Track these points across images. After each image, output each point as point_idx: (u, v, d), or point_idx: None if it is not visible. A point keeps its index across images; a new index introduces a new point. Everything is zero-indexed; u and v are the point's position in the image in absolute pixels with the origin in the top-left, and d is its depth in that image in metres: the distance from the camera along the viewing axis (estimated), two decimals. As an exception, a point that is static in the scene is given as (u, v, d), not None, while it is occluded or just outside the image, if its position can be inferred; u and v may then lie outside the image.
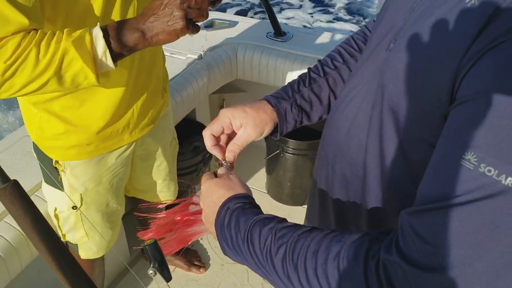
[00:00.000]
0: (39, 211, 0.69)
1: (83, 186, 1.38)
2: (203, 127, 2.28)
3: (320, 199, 0.87)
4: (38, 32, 0.95)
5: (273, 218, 0.65)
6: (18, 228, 1.33)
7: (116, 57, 0.99)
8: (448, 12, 0.56)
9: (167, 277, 0.84)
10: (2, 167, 0.67)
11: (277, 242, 0.61)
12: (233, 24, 2.50)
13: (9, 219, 1.38)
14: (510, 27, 0.48)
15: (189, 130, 2.22)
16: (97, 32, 0.96)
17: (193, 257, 2.12)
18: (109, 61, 0.98)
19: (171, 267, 2.07)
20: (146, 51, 1.31)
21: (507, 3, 0.50)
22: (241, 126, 0.84)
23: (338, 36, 2.37)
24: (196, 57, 2.19)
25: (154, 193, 1.74)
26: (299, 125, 0.91)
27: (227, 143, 0.86)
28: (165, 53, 2.18)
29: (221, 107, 2.64)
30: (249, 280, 2.06)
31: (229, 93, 2.56)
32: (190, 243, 0.88)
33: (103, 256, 1.66)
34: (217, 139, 0.85)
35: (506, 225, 0.45)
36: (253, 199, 0.73)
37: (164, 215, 0.90)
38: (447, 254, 0.47)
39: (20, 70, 0.93)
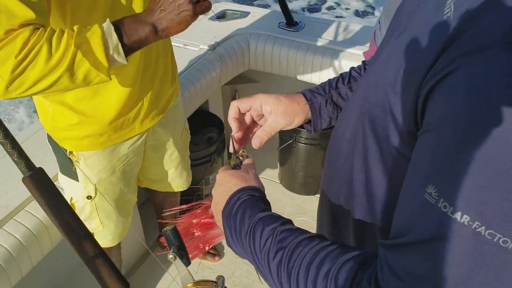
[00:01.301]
0: (63, 197, 0.71)
1: (97, 176, 1.41)
2: (216, 118, 2.30)
3: (322, 194, 0.88)
4: (48, 29, 0.94)
5: (277, 218, 0.65)
6: (39, 216, 1.37)
7: (127, 51, 1.00)
8: (426, 24, 0.54)
9: (187, 262, 0.86)
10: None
11: (276, 246, 0.61)
12: (244, 14, 2.50)
13: (30, 208, 1.41)
14: (469, 49, 0.44)
15: (202, 121, 2.25)
16: (109, 27, 0.96)
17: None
18: (121, 55, 0.98)
19: (186, 256, 2.11)
20: (154, 43, 1.33)
21: (487, 14, 0.45)
22: (271, 112, 0.83)
23: (351, 26, 2.36)
24: (208, 48, 2.20)
25: (167, 183, 1.77)
26: (335, 122, 0.88)
27: (249, 126, 0.87)
28: (177, 45, 2.22)
29: (233, 98, 2.65)
30: (263, 268, 2.08)
31: (242, 83, 2.57)
32: (210, 246, 0.88)
33: (119, 244, 1.70)
34: (241, 115, 0.85)
35: (465, 266, 0.44)
36: (265, 194, 0.73)
37: (183, 220, 0.91)
38: None
39: (31, 66, 0.92)
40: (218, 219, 0.74)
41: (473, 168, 0.43)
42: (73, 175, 1.40)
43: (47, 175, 0.69)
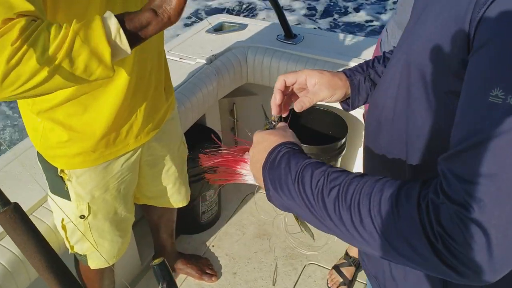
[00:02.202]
0: (41, 234, 0.65)
1: (90, 194, 1.36)
2: (213, 132, 2.25)
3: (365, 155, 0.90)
4: (46, 20, 0.90)
5: (324, 163, 0.68)
6: (15, 251, 1.31)
7: (130, 38, 0.92)
8: None
9: (177, 299, 0.80)
10: (8, 179, 0.64)
11: (330, 184, 0.63)
12: (242, 27, 2.46)
13: (5, 242, 1.34)
14: None
15: (199, 136, 2.19)
16: (109, 14, 0.91)
17: (205, 265, 2.08)
18: (124, 42, 0.90)
19: (182, 276, 2.05)
20: (147, 55, 1.29)
21: None
22: (316, 84, 0.89)
23: (350, 38, 2.32)
24: (205, 61, 2.15)
25: (165, 199, 1.72)
26: (370, 100, 0.93)
27: (288, 99, 0.93)
28: (173, 58, 2.17)
29: (231, 111, 2.60)
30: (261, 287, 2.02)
31: (240, 96, 2.52)
32: (232, 182, 0.93)
33: (112, 265, 1.64)
34: (285, 88, 0.90)
35: None
36: (303, 150, 0.75)
37: (222, 150, 0.96)
38: (487, 190, 0.49)
39: (29, 55, 0.85)
40: (259, 177, 0.76)
41: None
42: (65, 194, 1.35)
43: (23, 211, 0.63)
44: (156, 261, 0.82)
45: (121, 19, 0.92)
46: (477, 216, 0.49)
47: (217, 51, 2.23)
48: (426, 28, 0.64)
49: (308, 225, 0.82)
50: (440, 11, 0.61)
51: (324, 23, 6.56)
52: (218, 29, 2.46)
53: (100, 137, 1.28)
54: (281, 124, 0.86)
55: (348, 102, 0.95)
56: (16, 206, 0.63)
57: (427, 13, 0.66)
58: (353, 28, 6.37)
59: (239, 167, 0.91)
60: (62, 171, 1.32)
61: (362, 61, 2.11)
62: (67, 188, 1.34)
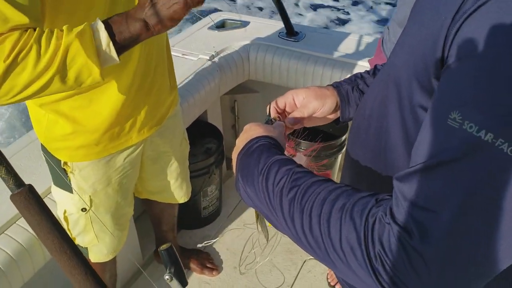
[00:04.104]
0: (54, 216, 0.67)
1: (92, 187, 1.37)
2: (215, 128, 2.26)
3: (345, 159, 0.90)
4: (37, 30, 0.91)
5: (293, 162, 0.67)
6: (31, 231, 1.33)
7: (119, 50, 0.96)
8: None
9: (184, 283, 0.82)
10: (16, 170, 0.65)
11: (291, 184, 0.62)
12: (244, 24, 2.47)
13: (22, 222, 1.37)
14: None
15: (201, 132, 2.21)
16: (99, 25, 0.93)
17: (206, 260, 2.10)
18: (113, 53, 0.94)
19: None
20: (152, 50, 1.30)
21: None
22: (303, 99, 0.90)
23: (352, 36, 2.34)
24: (207, 58, 2.17)
25: (167, 194, 1.73)
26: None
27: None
28: (176, 54, 2.19)
29: (233, 108, 2.62)
30: (261, 282, 2.04)
31: (241, 94, 2.54)
32: None
33: (114, 259, 1.65)
34: (281, 114, 0.91)
35: (486, 182, 0.46)
36: (283, 148, 0.75)
37: None
38: (430, 218, 0.47)
39: (21, 69, 0.89)
40: (234, 164, 0.76)
41: (501, 89, 0.46)
42: (67, 187, 1.36)
43: (36, 192, 0.65)
44: (164, 246, 0.84)
45: (111, 31, 0.94)
46: (417, 244, 0.47)
47: (220, 48, 2.25)
48: (409, 40, 0.63)
49: (267, 225, 0.82)
50: (423, 23, 0.60)
51: (325, 21, 6.58)
52: (220, 26, 2.47)
53: (104, 131, 1.29)
54: (279, 123, 0.86)
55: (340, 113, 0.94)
56: (31, 188, 0.65)
57: (414, 22, 0.64)
58: (355, 26, 6.40)
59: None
60: (65, 163, 1.33)
61: (364, 59, 2.14)
62: (69, 180, 1.35)
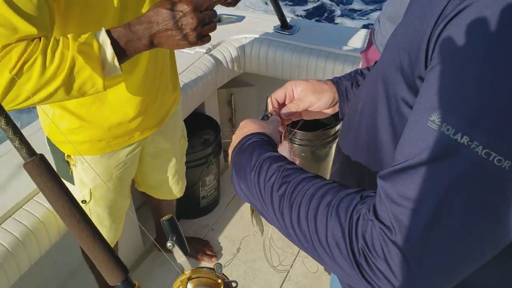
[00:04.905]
0: (63, 183, 0.72)
1: (93, 181, 1.40)
2: (212, 120, 2.32)
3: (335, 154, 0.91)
4: (42, 39, 0.93)
5: (284, 158, 0.70)
6: (48, 206, 1.40)
7: (123, 61, 1.00)
8: None
9: (185, 250, 0.87)
10: (17, 158, 0.70)
11: (281, 180, 0.64)
12: (240, 18, 2.53)
13: (38, 197, 1.44)
14: None
15: (198, 124, 2.26)
16: (105, 39, 0.95)
17: (205, 247, 2.15)
18: (117, 66, 0.98)
19: (183, 257, 2.12)
20: (159, 52, 1.33)
21: None
22: (301, 91, 0.91)
23: (344, 28, 2.39)
24: (204, 51, 2.22)
25: (163, 190, 1.77)
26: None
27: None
28: (173, 48, 2.23)
29: (229, 102, 2.67)
30: (260, 268, 2.09)
31: (237, 87, 2.59)
32: None
33: (116, 247, 1.70)
34: (279, 106, 0.92)
35: (461, 184, 0.48)
36: (275, 144, 0.77)
37: None
38: (409, 215, 0.50)
39: (26, 79, 0.91)
40: (229, 160, 0.78)
41: (473, 92, 0.47)
42: (70, 179, 1.39)
43: (47, 161, 0.71)
44: (166, 217, 0.89)
45: (116, 46, 0.96)
46: (398, 240, 0.50)
47: (216, 42, 2.30)
48: (398, 38, 0.64)
49: (262, 218, 0.85)
50: (411, 23, 0.60)
51: (319, 14, 6.63)
52: (217, 20, 2.53)
53: (108, 128, 1.32)
54: (274, 118, 0.87)
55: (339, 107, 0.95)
56: (42, 157, 0.71)
57: (403, 23, 0.65)
58: (347, 19, 6.45)
59: None
60: (68, 156, 1.36)
61: (356, 50, 2.18)
62: (71, 173, 1.38)
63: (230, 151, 0.80)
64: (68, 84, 0.95)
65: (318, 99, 0.90)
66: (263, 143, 0.74)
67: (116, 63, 0.97)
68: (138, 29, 0.98)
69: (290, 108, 0.91)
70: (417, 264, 0.49)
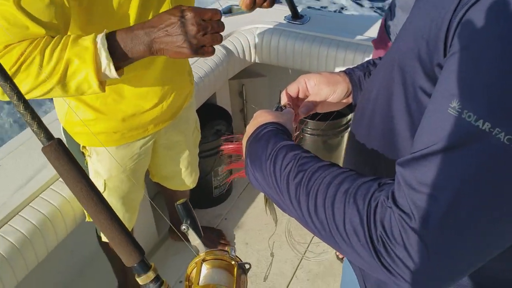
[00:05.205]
0: (80, 166, 0.74)
1: (108, 172, 1.43)
2: (224, 111, 2.33)
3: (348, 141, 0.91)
4: (45, 38, 0.95)
5: (299, 147, 0.70)
6: (64, 194, 1.44)
7: (120, 66, 1.00)
8: None
9: (199, 233, 0.89)
10: (32, 149, 0.72)
11: (297, 168, 0.65)
12: (250, 9, 2.53)
13: (55, 186, 1.47)
14: None
15: (210, 114, 2.28)
16: (102, 44, 0.96)
17: (219, 236, 2.17)
18: (113, 72, 0.98)
19: (197, 246, 2.14)
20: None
21: None
22: (315, 85, 0.91)
23: (355, 17, 2.38)
24: None
25: (177, 181, 1.79)
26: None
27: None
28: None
29: (241, 93, 2.68)
30: (274, 256, 2.11)
31: (248, 78, 2.60)
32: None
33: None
34: (293, 99, 0.92)
35: (483, 170, 0.48)
36: (290, 134, 0.77)
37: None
38: (430, 202, 0.50)
39: (23, 77, 0.94)
40: (243, 150, 0.78)
41: (495, 78, 0.47)
42: (84, 169, 1.42)
43: (65, 145, 0.72)
44: (180, 201, 0.91)
45: (113, 51, 0.96)
46: (417, 227, 0.50)
47: (227, 32, 2.31)
48: (414, 26, 0.64)
49: (275, 208, 0.85)
50: (428, 10, 0.60)
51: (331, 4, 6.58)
52: (227, 11, 2.53)
53: (123, 120, 1.33)
54: (288, 110, 0.87)
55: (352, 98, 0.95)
56: (59, 141, 0.72)
57: (419, 7, 0.65)
58: (359, 8, 6.39)
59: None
60: (83, 147, 1.38)
61: (367, 39, 2.17)
62: (86, 163, 1.41)
63: (243, 141, 0.80)
64: (64, 84, 0.97)
65: (333, 91, 0.90)
66: (278, 132, 0.74)
67: (112, 68, 0.97)
68: (139, 34, 0.98)
69: (307, 105, 0.90)
70: (436, 250, 0.50)
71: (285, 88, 0.93)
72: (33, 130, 0.72)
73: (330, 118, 2.18)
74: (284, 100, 0.92)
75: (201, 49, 0.99)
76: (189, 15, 0.96)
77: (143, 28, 0.98)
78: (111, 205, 1.47)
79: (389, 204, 0.53)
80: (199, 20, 0.96)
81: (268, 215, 0.93)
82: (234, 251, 0.87)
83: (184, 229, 0.88)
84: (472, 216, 0.49)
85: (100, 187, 1.45)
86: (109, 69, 0.97)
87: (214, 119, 2.31)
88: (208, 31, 0.97)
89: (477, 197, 0.48)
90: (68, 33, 1.05)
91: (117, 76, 0.99)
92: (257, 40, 2.29)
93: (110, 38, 0.98)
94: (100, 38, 0.97)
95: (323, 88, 0.90)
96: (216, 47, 2.19)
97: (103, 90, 1.01)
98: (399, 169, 0.54)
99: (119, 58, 0.98)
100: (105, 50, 0.96)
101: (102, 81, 1.00)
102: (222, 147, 0.95)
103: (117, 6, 1.09)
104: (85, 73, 0.96)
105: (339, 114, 2.28)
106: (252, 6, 1.14)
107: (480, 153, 0.48)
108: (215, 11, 0.99)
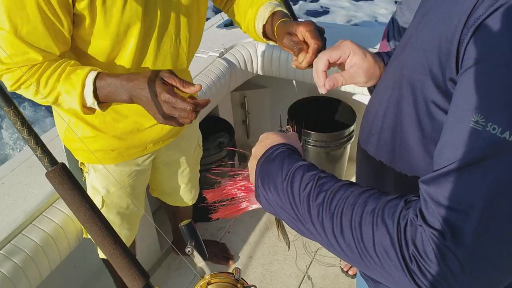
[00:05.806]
0: (84, 191, 0.73)
1: (105, 189, 1.42)
2: (226, 123, 2.33)
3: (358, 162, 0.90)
4: (44, 65, 1.05)
5: (316, 167, 0.68)
6: (66, 212, 1.43)
7: (103, 105, 1.09)
8: None
9: (204, 255, 0.88)
10: (33, 167, 0.71)
11: (317, 189, 0.63)
12: (251, 21, 2.53)
13: (57, 204, 1.47)
14: None
15: (213, 127, 2.27)
16: (89, 91, 1.04)
17: (222, 250, 2.16)
18: (97, 107, 1.07)
19: (200, 260, 2.13)
20: (180, 69, 1.34)
21: None
22: (355, 65, 0.87)
23: (357, 29, 2.38)
24: (217, 55, 2.23)
25: (176, 197, 1.78)
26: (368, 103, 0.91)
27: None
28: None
29: (243, 104, 2.68)
30: (278, 271, 2.09)
31: (250, 89, 2.60)
32: (240, 214, 0.89)
33: (134, 248, 1.71)
34: (329, 66, 0.88)
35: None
36: (301, 154, 0.76)
37: (228, 182, 0.90)
38: (460, 218, 0.49)
39: (23, 93, 1.08)
40: (252, 172, 0.75)
41: None
42: (82, 185, 1.41)
43: (69, 170, 0.72)
44: (184, 222, 0.90)
45: (99, 92, 1.04)
46: (450, 244, 0.49)
47: (228, 45, 2.31)
48: (422, 41, 0.64)
49: (287, 230, 0.83)
50: (436, 24, 0.60)
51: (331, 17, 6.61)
52: (229, 24, 2.54)
53: (121, 139, 1.33)
54: (292, 133, 0.85)
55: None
56: (63, 166, 0.72)
57: (425, 22, 0.65)
58: (360, 20, 6.41)
59: (244, 194, 0.87)
60: (82, 163, 1.38)
61: (372, 50, 2.17)
62: (84, 179, 1.40)
63: (251, 164, 0.78)
64: (57, 105, 1.10)
65: (367, 81, 0.88)
66: (291, 153, 0.72)
67: (96, 106, 1.06)
68: (127, 85, 1.03)
69: (337, 80, 0.86)
70: (472, 267, 0.49)
71: (326, 52, 0.88)
72: (37, 156, 0.71)
73: (337, 129, 2.17)
74: (322, 62, 0.87)
75: (173, 119, 1.02)
76: (158, 90, 0.99)
77: (133, 82, 1.03)
78: (109, 221, 1.48)
79: (419, 222, 0.52)
80: (167, 97, 0.98)
81: (281, 239, 0.90)
82: (240, 274, 0.86)
83: (189, 251, 0.87)
84: (507, 227, 0.48)
85: (98, 203, 1.44)
86: (93, 105, 1.07)
87: (216, 131, 2.31)
88: (177, 108, 0.99)
89: (509, 209, 0.48)
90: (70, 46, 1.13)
91: (102, 111, 1.08)
92: (258, 52, 2.29)
93: (99, 80, 1.05)
94: (89, 81, 1.04)
95: (361, 75, 0.87)
96: (218, 60, 2.20)
97: (93, 112, 1.11)
98: (423, 187, 0.54)
99: (104, 99, 1.06)
100: (90, 93, 1.04)
101: (90, 109, 1.09)
102: (206, 195, 0.92)
103: (118, 32, 1.11)
104: (74, 105, 1.07)
105: (342, 125, 2.28)
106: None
107: (509, 165, 0.47)
108: (179, 81, 1.01)
